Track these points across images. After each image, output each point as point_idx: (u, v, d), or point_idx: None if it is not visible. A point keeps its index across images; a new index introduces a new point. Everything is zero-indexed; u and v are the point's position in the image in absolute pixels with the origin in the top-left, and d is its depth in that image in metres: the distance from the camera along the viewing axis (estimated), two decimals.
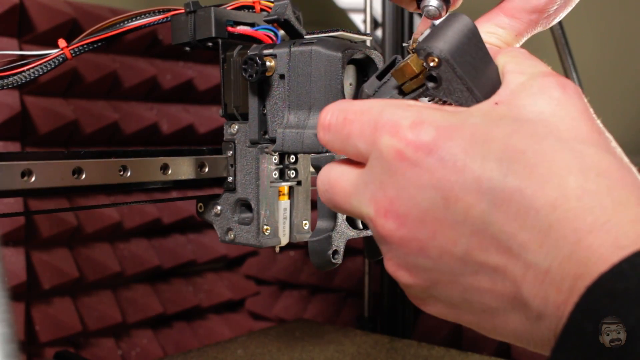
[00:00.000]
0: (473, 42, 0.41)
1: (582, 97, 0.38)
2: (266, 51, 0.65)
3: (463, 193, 0.34)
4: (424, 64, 0.40)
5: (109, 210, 1.25)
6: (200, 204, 0.72)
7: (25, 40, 1.15)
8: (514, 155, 0.34)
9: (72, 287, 1.22)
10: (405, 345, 0.91)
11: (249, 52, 0.65)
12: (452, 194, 0.35)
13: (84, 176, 0.57)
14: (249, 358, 0.87)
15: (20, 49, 1.13)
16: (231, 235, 0.70)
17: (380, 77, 0.47)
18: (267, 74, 0.64)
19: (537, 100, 0.37)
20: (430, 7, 0.48)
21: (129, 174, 0.61)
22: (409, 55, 0.44)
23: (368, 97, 0.46)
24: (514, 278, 0.34)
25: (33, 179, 0.54)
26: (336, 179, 0.42)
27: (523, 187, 0.33)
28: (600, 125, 0.37)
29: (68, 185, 0.57)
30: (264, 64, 0.63)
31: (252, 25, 0.71)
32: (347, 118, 0.40)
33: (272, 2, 0.72)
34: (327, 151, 0.60)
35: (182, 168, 0.65)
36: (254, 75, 0.63)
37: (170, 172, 0.64)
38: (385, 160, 0.37)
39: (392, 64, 0.47)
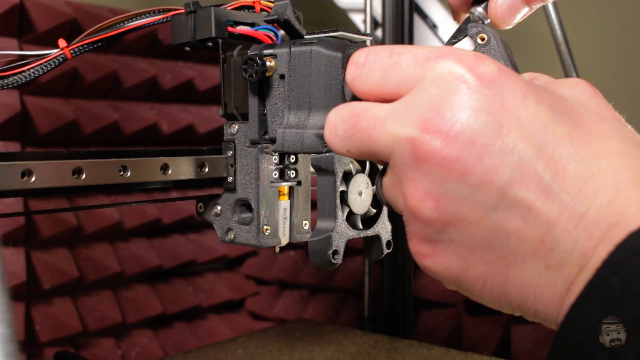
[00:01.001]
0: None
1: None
2: (266, 51, 0.65)
3: (517, 125, 0.35)
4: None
5: (109, 210, 1.25)
6: (200, 204, 0.72)
7: (25, 40, 1.15)
8: (563, 109, 0.36)
9: (72, 287, 1.22)
10: (405, 345, 0.91)
11: (249, 52, 0.65)
12: (508, 122, 0.35)
13: (84, 176, 0.57)
14: (249, 358, 0.87)
15: (20, 49, 1.13)
16: (231, 236, 0.70)
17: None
18: (267, 74, 0.64)
19: (571, 90, 0.39)
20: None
21: (129, 174, 0.61)
22: None
23: None
24: (548, 218, 0.34)
25: (33, 179, 0.54)
26: (364, 108, 0.41)
27: (571, 135, 0.35)
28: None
29: (68, 185, 0.57)
30: (264, 64, 0.63)
31: (252, 25, 0.71)
32: (394, 51, 0.40)
33: (272, 2, 0.72)
34: (327, 151, 0.60)
35: (182, 168, 0.65)
36: (254, 75, 0.63)
37: (170, 172, 0.64)
38: (444, 81, 0.37)
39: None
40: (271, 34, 0.71)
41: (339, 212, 0.60)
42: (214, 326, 1.45)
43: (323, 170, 0.60)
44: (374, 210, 0.65)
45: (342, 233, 0.60)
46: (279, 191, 0.69)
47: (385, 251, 0.66)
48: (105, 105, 1.26)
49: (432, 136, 0.36)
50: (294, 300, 1.45)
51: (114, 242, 1.30)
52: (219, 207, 0.70)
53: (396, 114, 0.38)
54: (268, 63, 0.63)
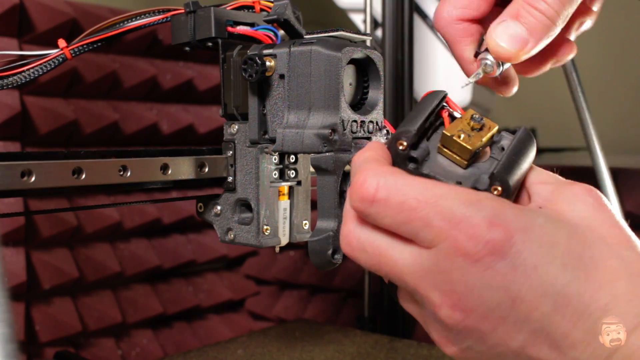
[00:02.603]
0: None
1: (606, 200, 0.42)
2: (266, 51, 0.64)
3: (530, 295, 0.38)
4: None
5: (109, 210, 1.25)
6: (200, 204, 0.72)
7: (25, 40, 1.15)
8: (574, 262, 0.38)
9: (72, 287, 1.22)
10: (405, 345, 0.91)
11: (249, 52, 0.65)
12: (520, 295, 0.38)
13: (83, 176, 0.57)
14: (249, 358, 0.87)
15: (20, 49, 1.13)
16: (231, 235, 0.69)
17: (424, 133, 0.47)
18: (267, 74, 0.64)
19: (575, 207, 0.41)
20: (487, 62, 0.53)
21: (128, 174, 0.61)
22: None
23: (422, 174, 0.45)
24: None
25: (33, 178, 0.54)
26: (385, 250, 0.42)
27: (581, 292, 0.38)
28: (625, 223, 0.42)
29: (68, 185, 0.57)
30: (263, 64, 0.63)
31: (252, 25, 0.71)
32: (406, 203, 0.40)
33: (271, 2, 0.72)
34: (327, 151, 0.60)
35: (182, 168, 0.65)
36: (254, 75, 0.63)
37: (170, 172, 0.64)
38: (457, 260, 0.39)
39: (433, 111, 0.47)
40: (271, 34, 0.71)
41: (339, 212, 0.60)
42: (214, 326, 1.45)
43: (323, 170, 0.60)
44: None
45: None
46: (279, 191, 0.69)
47: None
48: (106, 105, 1.26)
49: (452, 311, 0.39)
50: (294, 300, 1.45)
51: (114, 242, 1.30)
52: (218, 207, 0.70)
53: (415, 272, 0.41)
54: (268, 63, 0.63)
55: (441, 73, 1.27)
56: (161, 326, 1.38)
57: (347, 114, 0.60)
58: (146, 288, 1.34)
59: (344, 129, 0.60)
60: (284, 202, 0.69)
